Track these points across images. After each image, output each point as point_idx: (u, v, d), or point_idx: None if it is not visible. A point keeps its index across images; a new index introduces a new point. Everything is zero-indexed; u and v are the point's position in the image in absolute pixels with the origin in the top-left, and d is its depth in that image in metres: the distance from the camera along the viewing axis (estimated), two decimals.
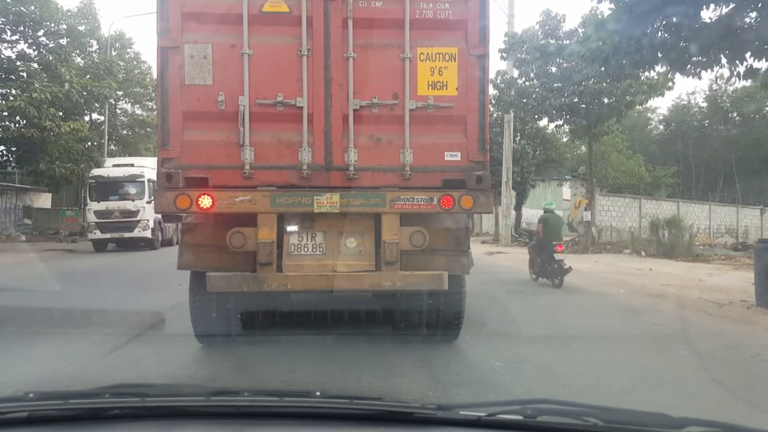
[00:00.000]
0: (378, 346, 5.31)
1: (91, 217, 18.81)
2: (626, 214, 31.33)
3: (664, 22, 8.60)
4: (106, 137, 28.31)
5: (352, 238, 4.72)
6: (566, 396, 3.39)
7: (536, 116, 22.32)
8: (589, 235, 20.57)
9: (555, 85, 19.84)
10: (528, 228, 27.30)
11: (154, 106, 15.07)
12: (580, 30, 18.54)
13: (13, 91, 20.45)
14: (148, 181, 18.21)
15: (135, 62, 33.96)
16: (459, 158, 4.67)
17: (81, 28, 23.53)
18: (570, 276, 9.87)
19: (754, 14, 8.40)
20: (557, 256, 9.81)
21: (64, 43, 22.79)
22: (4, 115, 20.56)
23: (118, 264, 14.90)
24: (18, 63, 21.87)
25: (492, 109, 22.42)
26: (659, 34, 8.76)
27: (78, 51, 24.22)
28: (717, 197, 40.04)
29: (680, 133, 47.33)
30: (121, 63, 30.00)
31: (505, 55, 21.14)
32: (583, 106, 19.63)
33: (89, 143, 26.85)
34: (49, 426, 1.50)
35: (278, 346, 5.34)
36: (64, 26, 22.66)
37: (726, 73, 9.09)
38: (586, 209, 21.43)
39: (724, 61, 8.78)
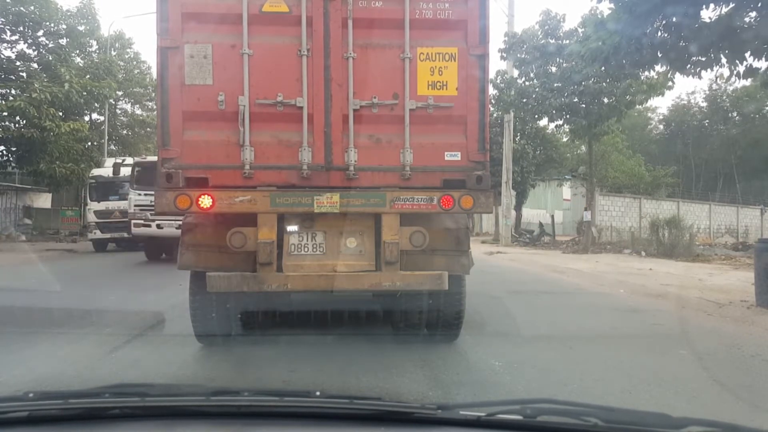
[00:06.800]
0: (378, 346, 5.31)
1: (91, 217, 18.79)
2: (626, 214, 31.36)
3: (664, 22, 8.61)
4: (106, 137, 28.34)
5: (352, 238, 4.72)
6: (566, 396, 3.39)
7: (536, 116, 22.33)
8: (589, 235, 20.58)
9: (555, 85, 19.84)
10: (529, 228, 27.39)
11: (154, 106, 15.06)
12: (580, 30, 18.55)
13: (13, 91, 20.47)
14: None
15: (135, 62, 34.02)
16: (459, 158, 4.66)
17: (81, 28, 23.53)
18: (570, 276, 9.86)
19: (753, 14, 8.41)
20: None
21: (64, 43, 22.79)
22: (4, 115, 20.57)
23: (118, 264, 14.90)
24: (18, 63, 21.88)
25: (492, 109, 22.41)
26: (659, 33, 8.77)
27: (78, 51, 24.25)
28: (717, 197, 40.07)
29: (680, 133, 47.33)
30: (121, 63, 30.04)
31: (505, 55, 21.15)
32: (583, 106, 19.64)
33: (89, 143, 26.88)
34: (49, 426, 1.50)
35: (278, 346, 5.34)
36: (64, 26, 22.66)
37: (726, 72, 9.11)
38: (586, 209, 21.45)
39: (724, 60, 8.78)
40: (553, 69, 20.22)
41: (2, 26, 21.12)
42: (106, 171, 19.74)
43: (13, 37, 21.74)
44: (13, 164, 23.53)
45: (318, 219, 4.67)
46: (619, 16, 8.83)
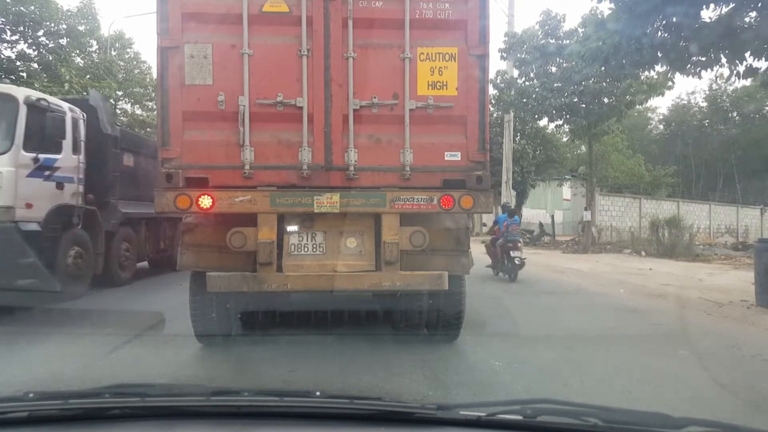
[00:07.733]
0: (378, 346, 5.31)
1: None
2: (626, 214, 31.36)
3: (664, 22, 8.61)
4: None
5: (352, 238, 4.72)
6: (566, 396, 3.39)
7: (536, 116, 22.32)
8: (589, 235, 20.57)
9: (555, 85, 19.84)
10: (529, 228, 27.38)
11: (154, 106, 15.01)
12: (580, 30, 18.56)
13: None
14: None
15: (135, 62, 33.93)
16: (459, 158, 4.67)
17: (81, 28, 23.51)
18: (570, 276, 9.88)
19: (754, 14, 8.41)
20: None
21: (64, 43, 22.79)
22: None
23: None
24: (18, 63, 21.88)
25: (492, 109, 22.43)
26: (659, 33, 8.77)
27: (78, 51, 24.21)
28: (717, 197, 40.06)
29: (680, 133, 47.33)
30: (121, 63, 29.97)
31: (505, 55, 21.15)
32: (583, 106, 19.63)
33: None
34: (49, 426, 1.50)
35: (278, 346, 5.34)
36: (64, 26, 22.65)
37: (726, 72, 9.11)
38: (586, 209, 21.45)
39: (724, 60, 8.78)
40: (553, 69, 20.22)
41: (2, 26, 21.11)
42: None
43: (14, 37, 21.74)
44: None
45: (318, 219, 4.67)
46: (619, 16, 8.83)
